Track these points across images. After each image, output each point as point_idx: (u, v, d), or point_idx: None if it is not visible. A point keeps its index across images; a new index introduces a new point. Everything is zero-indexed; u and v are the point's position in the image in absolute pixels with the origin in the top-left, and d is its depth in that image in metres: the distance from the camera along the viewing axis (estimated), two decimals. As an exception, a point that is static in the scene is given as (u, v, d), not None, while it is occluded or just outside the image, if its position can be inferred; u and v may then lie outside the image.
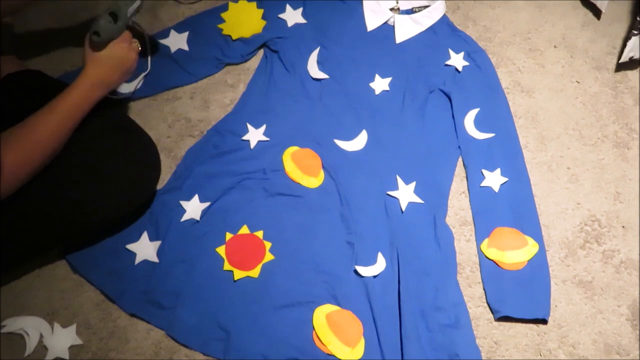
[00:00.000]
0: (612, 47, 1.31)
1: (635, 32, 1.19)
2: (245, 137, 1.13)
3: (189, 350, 0.93)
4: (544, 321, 0.96)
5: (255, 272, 0.98)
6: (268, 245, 1.00)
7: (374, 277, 0.98)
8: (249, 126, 1.14)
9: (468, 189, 1.10)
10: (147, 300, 0.95)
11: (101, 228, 0.99)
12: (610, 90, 1.24)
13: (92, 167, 0.90)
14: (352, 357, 0.91)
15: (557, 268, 1.02)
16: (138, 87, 1.18)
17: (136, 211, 1.02)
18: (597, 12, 1.35)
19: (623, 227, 1.06)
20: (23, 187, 0.86)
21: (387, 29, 1.29)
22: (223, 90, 1.23)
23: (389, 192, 1.07)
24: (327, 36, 1.27)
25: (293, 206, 1.05)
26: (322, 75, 1.21)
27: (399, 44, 1.27)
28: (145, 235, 1.01)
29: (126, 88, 1.18)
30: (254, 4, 1.31)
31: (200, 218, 1.03)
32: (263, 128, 1.14)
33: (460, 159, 1.14)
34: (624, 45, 1.23)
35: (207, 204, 1.04)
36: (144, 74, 1.18)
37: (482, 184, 1.09)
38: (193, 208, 1.03)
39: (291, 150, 1.11)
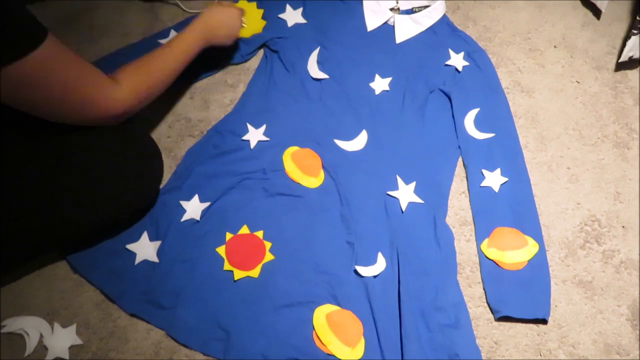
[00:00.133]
0: (612, 47, 1.31)
1: (635, 31, 1.19)
2: (245, 137, 1.13)
3: (189, 350, 0.93)
4: (544, 321, 0.96)
5: (255, 272, 0.98)
6: (268, 245, 1.00)
7: (374, 277, 0.97)
8: (249, 126, 1.14)
9: (468, 189, 1.10)
10: (147, 300, 0.95)
11: (103, 229, 0.99)
12: (610, 90, 1.24)
13: (94, 168, 0.90)
14: (352, 357, 0.91)
15: (557, 268, 1.02)
16: None
17: (137, 211, 1.02)
18: (597, 12, 1.35)
19: (623, 227, 1.06)
20: (23, 187, 0.86)
21: (387, 29, 1.29)
22: (223, 90, 1.23)
23: (389, 192, 1.07)
24: (327, 36, 1.27)
25: (293, 206, 1.05)
26: (322, 75, 1.21)
27: (399, 44, 1.27)
28: (145, 235, 1.01)
29: None
30: (254, 4, 1.31)
31: (200, 218, 1.03)
32: (263, 128, 1.14)
33: (460, 159, 1.14)
34: (623, 45, 1.23)
35: (207, 204, 1.04)
36: None
37: (482, 184, 1.09)
38: (193, 208, 1.03)
39: (291, 150, 1.11)
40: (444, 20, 1.31)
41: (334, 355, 0.91)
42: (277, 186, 1.07)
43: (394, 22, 1.29)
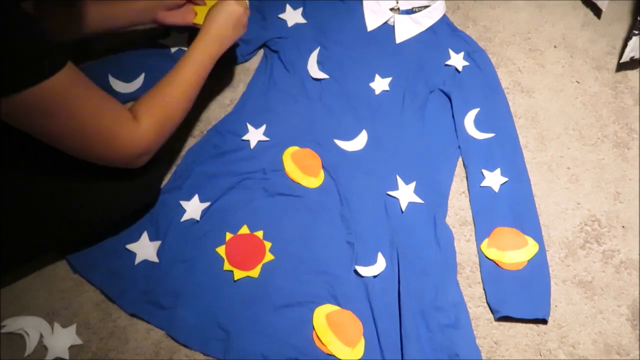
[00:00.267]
0: (612, 47, 1.31)
1: (636, 32, 1.19)
2: (245, 137, 1.13)
3: (189, 350, 0.93)
4: (544, 321, 0.96)
5: (255, 272, 0.98)
6: (268, 245, 1.00)
7: (374, 277, 0.97)
8: (249, 126, 1.14)
9: (468, 189, 1.10)
10: (147, 300, 0.95)
11: (103, 229, 0.99)
12: (610, 90, 1.24)
13: (94, 168, 0.90)
14: (352, 357, 0.90)
15: (557, 268, 1.02)
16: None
17: (137, 211, 1.02)
18: (597, 12, 1.35)
19: (623, 227, 1.06)
20: (23, 187, 0.86)
21: (387, 29, 1.29)
22: (223, 90, 1.23)
23: (389, 192, 1.07)
24: (327, 36, 1.27)
25: (293, 206, 1.05)
26: (322, 75, 1.21)
27: (399, 44, 1.27)
28: (145, 235, 1.01)
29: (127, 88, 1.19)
30: None
31: (200, 218, 1.03)
32: (263, 128, 1.14)
33: (460, 159, 1.14)
34: (624, 45, 1.23)
35: (207, 204, 1.04)
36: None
37: (482, 184, 1.09)
38: (193, 208, 1.03)
39: (291, 150, 1.11)
40: (444, 20, 1.31)
41: (334, 355, 0.91)
42: (277, 186, 1.07)
43: (394, 22, 1.29)
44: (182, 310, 0.94)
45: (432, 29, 1.29)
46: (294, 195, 1.06)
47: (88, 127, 0.79)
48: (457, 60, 1.24)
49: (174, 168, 1.10)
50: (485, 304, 0.98)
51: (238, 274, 0.97)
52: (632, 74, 1.26)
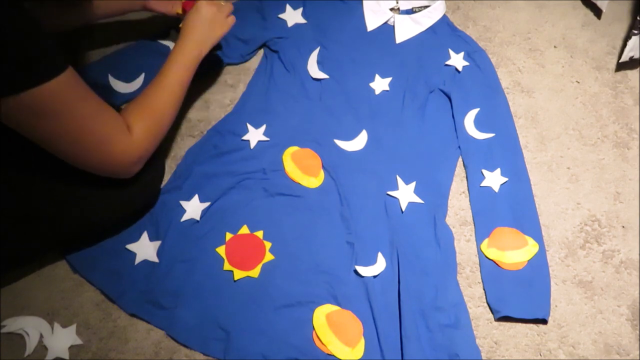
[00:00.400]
0: (612, 47, 1.31)
1: (636, 31, 1.19)
2: (245, 137, 1.13)
3: (189, 350, 0.93)
4: (544, 321, 0.96)
5: (255, 272, 0.98)
6: (268, 245, 1.00)
7: (374, 277, 0.97)
8: (249, 126, 1.14)
9: (468, 189, 1.10)
10: (147, 300, 0.95)
11: (103, 229, 0.99)
12: (610, 90, 1.24)
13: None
14: (352, 357, 0.90)
15: (557, 268, 1.02)
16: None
17: (137, 211, 1.02)
18: (597, 12, 1.36)
19: (623, 227, 1.06)
20: (25, 188, 0.86)
21: (387, 29, 1.29)
22: (223, 90, 1.23)
23: (389, 192, 1.07)
24: (327, 36, 1.27)
25: (293, 206, 1.05)
26: (322, 75, 1.21)
27: (399, 44, 1.27)
28: (145, 235, 1.01)
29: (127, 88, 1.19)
30: None
31: (200, 218, 1.03)
32: (263, 128, 1.14)
33: (460, 159, 1.14)
34: (624, 45, 1.24)
35: (207, 204, 1.04)
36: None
37: (482, 184, 1.09)
38: (193, 208, 1.03)
39: (291, 150, 1.11)
40: (444, 20, 1.31)
41: (334, 355, 0.91)
42: (277, 186, 1.07)
43: (394, 22, 1.29)
44: (182, 310, 0.94)
45: (432, 29, 1.29)
46: (294, 195, 1.06)
47: (84, 132, 0.79)
48: (457, 60, 1.24)
49: (174, 168, 1.10)
50: (485, 304, 0.98)
51: (238, 274, 0.97)
52: (632, 74, 1.26)
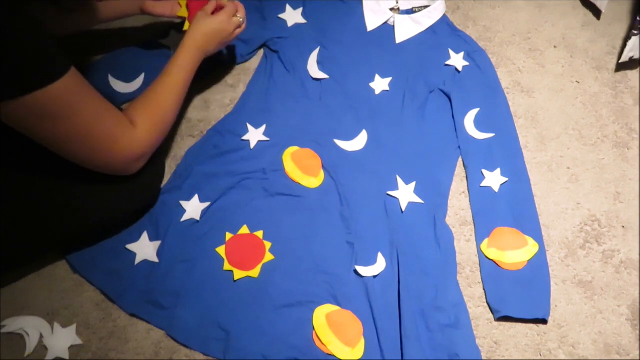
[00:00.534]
0: (612, 47, 1.31)
1: (635, 32, 1.19)
2: (245, 137, 1.13)
3: (189, 350, 0.93)
4: (544, 321, 0.96)
5: (255, 272, 0.98)
6: (268, 245, 1.00)
7: (374, 277, 0.97)
8: (249, 126, 1.14)
9: (468, 189, 1.10)
10: (147, 300, 0.95)
11: (103, 229, 0.99)
12: (610, 90, 1.24)
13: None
14: (352, 357, 0.90)
15: (557, 268, 1.02)
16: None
17: (137, 211, 1.02)
18: (597, 12, 1.36)
19: (623, 227, 1.06)
20: (25, 188, 0.86)
21: (387, 29, 1.29)
22: (223, 90, 1.23)
23: (389, 192, 1.07)
24: (327, 36, 1.28)
25: (293, 206, 1.05)
26: (322, 75, 1.21)
27: (399, 44, 1.27)
28: (145, 235, 1.01)
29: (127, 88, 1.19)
30: None
31: (200, 218, 1.03)
32: (263, 128, 1.14)
33: (460, 159, 1.14)
34: (624, 45, 1.24)
35: (207, 204, 1.04)
36: None
37: (482, 184, 1.09)
38: (193, 208, 1.03)
39: (291, 150, 1.11)
40: (444, 20, 1.31)
41: (334, 355, 0.91)
42: (277, 186, 1.07)
43: (394, 22, 1.29)
44: (182, 310, 0.94)
45: (432, 29, 1.29)
46: (294, 195, 1.06)
47: (89, 132, 0.80)
48: (457, 60, 1.24)
49: (174, 168, 1.10)
50: (485, 304, 0.98)
51: (238, 274, 0.97)
52: (632, 74, 1.26)
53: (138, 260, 0.99)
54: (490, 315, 0.97)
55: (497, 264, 1.00)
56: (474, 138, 1.14)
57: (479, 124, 1.16)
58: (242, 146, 1.12)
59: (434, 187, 1.09)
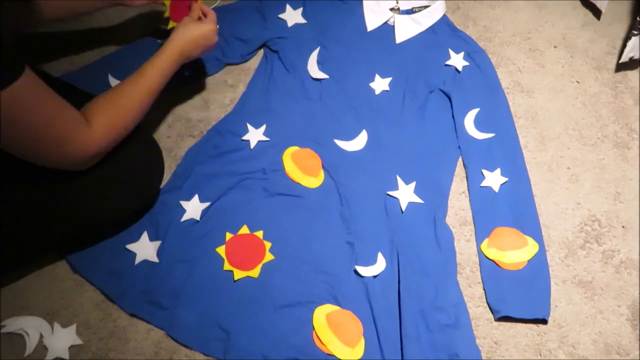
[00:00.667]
0: (612, 47, 1.31)
1: (635, 32, 1.19)
2: (245, 137, 1.13)
3: (189, 350, 0.93)
4: (544, 321, 0.96)
5: (255, 272, 0.98)
6: (268, 245, 1.00)
7: (374, 277, 0.97)
8: (249, 126, 1.14)
9: (468, 189, 1.10)
10: (147, 300, 0.95)
11: (103, 229, 0.99)
12: (610, 90, 1.24)
13: (94, 167, 0.90)
14: (352, 357, 0.90)
15: (557, 268, 1.02)
16: None
17: (137, 211, 1.02)
18: (597, 12, 1.36)
19: (623, 227, 1.06)
20: (25, 189, 0.86)
21: (387, 29, 1.29)
22: (223, 90, 1.23)
23: (389, 192, 1.07)
24: (327, 36, 1.28)
25: (293, 206, 1.05)
26: (322, 75, 1.21)
27: (399, 44, 1.27)
28: (145, 235, 1.01)
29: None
30: None
31: (200, 218, 1.03)
32: (263, 128, 1.14)
33: (460, 159, 1.14)
34: (624, 46, 1.24)
35: (207, 204, 1.04)
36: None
37: (482, 184, 1.09)
38: (193, 208, 1.03)
39: (291, 150, 1.11)
40: (444, 20, 1.31)
41: (334, 355, 0.91)
42: (277, 186, 1.07)
43: (394, 22, 1.29)
44: (182, 310, 0.94)
45: (432, 29, 1.29)
46: (294, 195, 1.06)
47: (43, 134, 0.77)
48: (457, 60, 1.24)
49: (174, 168, 1.10)
50: (485, 304, 0.98)
51: (238, 274, 0.97)
52: (632, 74, 1.26)
53: (138, 260, 0.99)
54: (490, 315, 0.97)
55: (497, 264, 1.00)
56: (474, 138, 1.14)
57: (479, 124, 1.16)
58: (242, 146, 1.12)
59: (434, 187, 1.09)
